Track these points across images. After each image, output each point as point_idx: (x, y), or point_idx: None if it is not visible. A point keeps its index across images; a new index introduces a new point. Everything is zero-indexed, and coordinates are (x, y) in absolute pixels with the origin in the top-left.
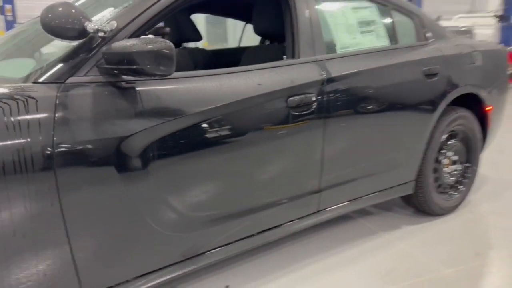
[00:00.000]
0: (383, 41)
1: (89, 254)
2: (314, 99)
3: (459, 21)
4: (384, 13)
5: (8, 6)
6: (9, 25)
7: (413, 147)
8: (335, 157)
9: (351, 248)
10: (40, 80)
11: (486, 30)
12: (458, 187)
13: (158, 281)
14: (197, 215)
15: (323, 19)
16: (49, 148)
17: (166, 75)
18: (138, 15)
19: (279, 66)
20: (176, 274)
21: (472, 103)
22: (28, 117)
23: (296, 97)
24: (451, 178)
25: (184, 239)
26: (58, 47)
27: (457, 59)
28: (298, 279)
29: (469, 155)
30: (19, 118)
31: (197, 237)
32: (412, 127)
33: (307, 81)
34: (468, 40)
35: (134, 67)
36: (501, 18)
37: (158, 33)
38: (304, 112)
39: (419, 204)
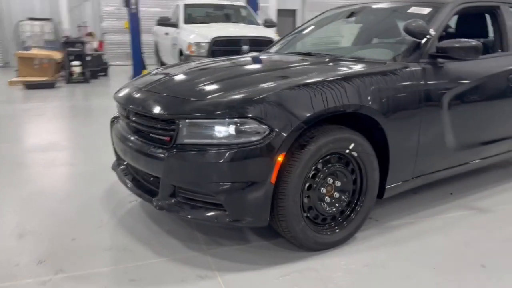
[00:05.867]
0: None
1: (423, 151)
2: None
3: None
4: None
5: (133, 0)
6: (133, 17)
7: None
8: None
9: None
10: (407, 60)
11: None
12: None
13: (438, 177)
14: (468, 141)
15: None
16: (421, 93)
17: (473, 59)
18: (438, 26)
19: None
20: (446, 175)
21: None
22: (412, 81)
23: None
24: None
25: (455, 155)
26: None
27: None
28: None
29: None
30: (409, 81)
31: (462, 154)
32: None
33: None
34: None
35: (448, 54)
36: None
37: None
38: None
39: None
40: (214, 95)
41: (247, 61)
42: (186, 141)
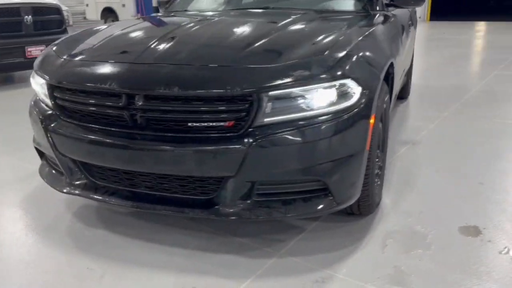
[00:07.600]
0: None
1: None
2: None
3: None
4: None
5: None
6: None
7: None
8: None
9: None
10: (377, 9)
11: None
12: None
13: None
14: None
15: None
16: (401, 36)
17: (418, 6)
18: None
19: None
20: None
21: None
22: (397, 27)
23: None
24: None
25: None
26: None
27: None
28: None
29: None
30: (396, 27)
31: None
32: None
33: None
34: None
35: (393, 2)
36: None
37: None
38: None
39: None
40: (289, 55)
41: (229, 22)
42: (268, 120)
